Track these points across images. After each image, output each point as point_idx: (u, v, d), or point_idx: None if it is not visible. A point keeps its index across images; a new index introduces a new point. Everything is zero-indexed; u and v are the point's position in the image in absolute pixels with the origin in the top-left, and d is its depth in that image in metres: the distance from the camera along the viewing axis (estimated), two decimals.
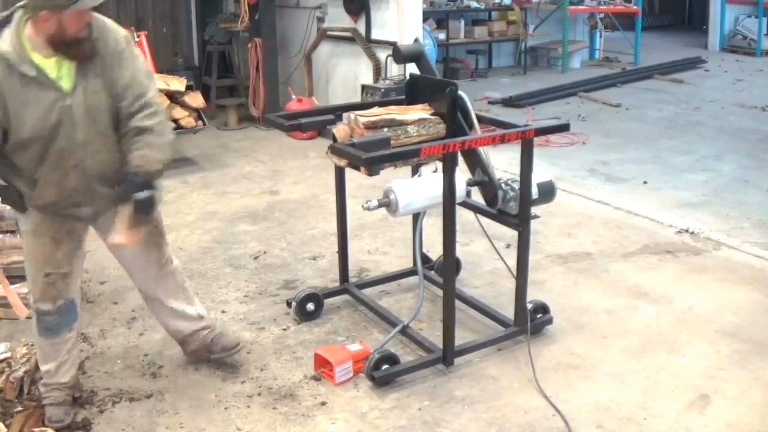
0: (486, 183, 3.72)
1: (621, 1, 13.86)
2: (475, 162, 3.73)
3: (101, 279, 4.91)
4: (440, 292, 3.88)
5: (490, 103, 10.35)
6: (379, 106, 3.82)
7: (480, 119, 3.74)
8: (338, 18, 8.76)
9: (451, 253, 3.58)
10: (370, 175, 3.55)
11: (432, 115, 3.66)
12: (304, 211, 6.09)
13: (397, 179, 3.66)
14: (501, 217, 3.77)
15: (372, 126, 3.45)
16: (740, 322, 4.15)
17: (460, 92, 3.66)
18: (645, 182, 6.72)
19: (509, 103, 10.22)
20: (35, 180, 3.08)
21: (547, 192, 3.77)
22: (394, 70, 8.02)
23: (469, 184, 3.74)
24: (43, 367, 3.43)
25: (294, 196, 6.51)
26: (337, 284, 4.48)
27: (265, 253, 5.26)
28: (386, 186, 3.61)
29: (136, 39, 8.24)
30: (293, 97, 8.92)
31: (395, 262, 5.01)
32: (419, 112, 3.63)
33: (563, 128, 3.71)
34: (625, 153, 7.76)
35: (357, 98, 7.90)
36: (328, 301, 4.35)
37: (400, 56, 3.92)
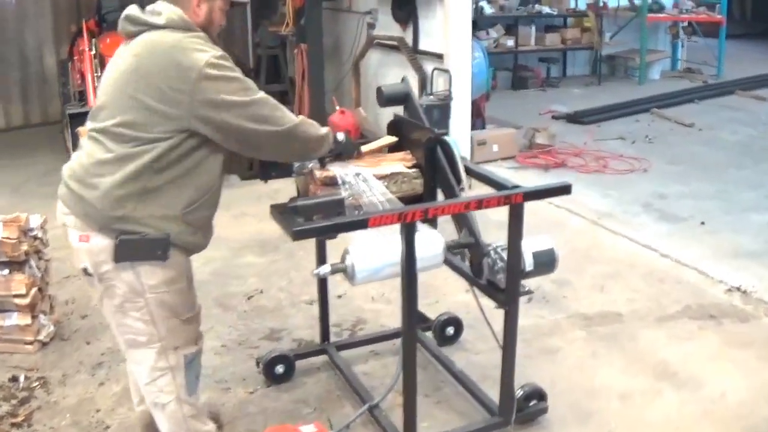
0: (472, 246, 3.17)
1: (704, 9, 12.84)
2: (462, 221, 3.19)
3: (84, 312, 4.60)
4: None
5: (554, 118, 9.69)
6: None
7: (468, 172, 3.21)
8: (387, 25, 8.28)
9: (411, 345, 3.11)
10: None
11: (412, 166, 3.14)
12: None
13: (358, 240, 3.12)
14: (487, 289, 3.21)
15: (330, 182, 2.94)
16: None
17: (448, 139, 3.15)
18: (702, 223, 6.01)
19: (573, 119, 9.52)
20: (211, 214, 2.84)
21: (545, 263, 3.14)
22: (440, 84, 7.50)
23: (451, 247, 3.17)
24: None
25: None
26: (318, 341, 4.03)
27: (261, 292, 4.88)
28: (345, 248, 3.11)
29: None
30: (337, 108, 8.45)
31: (398, 312, 4.49)
32: (395, 163, 3.12)
33: (560, 192, 3.10)
34: (687, 184, 7.01)
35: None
36: (308, 360, 3.91)
37: (383, 98, 3.41)
